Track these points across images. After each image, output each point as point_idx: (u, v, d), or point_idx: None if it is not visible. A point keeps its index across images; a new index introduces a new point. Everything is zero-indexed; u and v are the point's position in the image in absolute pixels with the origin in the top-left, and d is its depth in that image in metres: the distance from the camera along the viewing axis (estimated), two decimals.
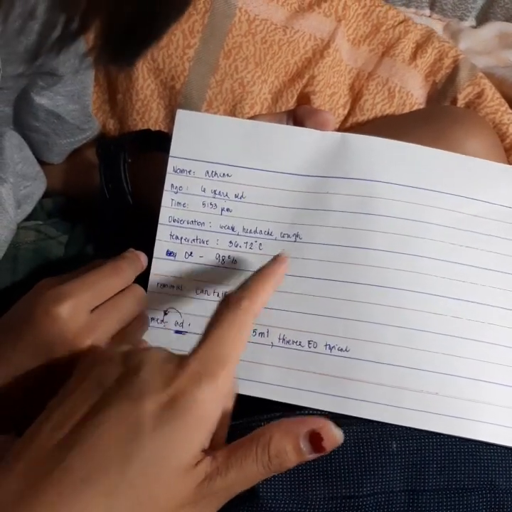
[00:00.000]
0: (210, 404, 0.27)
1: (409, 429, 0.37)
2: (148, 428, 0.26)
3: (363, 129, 0.60)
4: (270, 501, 0.35)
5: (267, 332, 0.39)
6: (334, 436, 0.29)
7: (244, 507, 0.35)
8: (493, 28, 0.74)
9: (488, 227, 0.40)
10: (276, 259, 0.35)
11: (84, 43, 0.48)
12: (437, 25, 0.74)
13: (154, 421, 0.26)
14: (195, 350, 0.29)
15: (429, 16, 0.76)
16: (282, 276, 0.35)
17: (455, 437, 0.37)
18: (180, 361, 0.28)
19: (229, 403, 0.32)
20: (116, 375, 0.28)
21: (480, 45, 0.72)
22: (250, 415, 0.38)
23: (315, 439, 0.28)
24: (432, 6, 0.76)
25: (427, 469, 0.37)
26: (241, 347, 0.30)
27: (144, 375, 0.28)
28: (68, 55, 0.45)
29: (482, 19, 0.76)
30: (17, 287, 0.46)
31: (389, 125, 0.59)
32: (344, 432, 0.36)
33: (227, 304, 0.31)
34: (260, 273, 0.33)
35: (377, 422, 0.38)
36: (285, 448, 0.28)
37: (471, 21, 0.76)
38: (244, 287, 0.32)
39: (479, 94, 0.61)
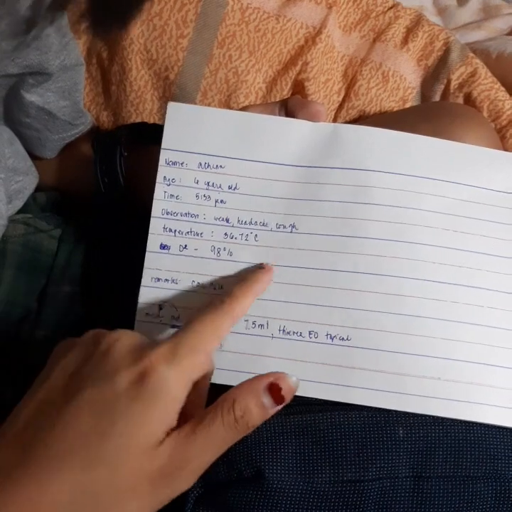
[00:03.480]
0: (176, 384, 0.28)
1: (416, 415, 0.37)
2: (121, 405, 0.27)
3: (360, 124, 0.59)
4: (276, 482, 0.35)
5: (267, 324, 0.39)
6: (290, 384, 0.30)
7: (250, 488, 0.35)
8: (475, 2, 0.76)
9: (482, 212, 0.40)
10: (262, 268, 0.38)
11: (73, 38, 0.48)
12: (426, 1, 0.76)
13: (126, 398, 0.27)
14: (169, 338, 0.30)
15: None
16: (266, 285, 0.38)
17: (461, 425, 0.37)
18: (152, 343, 0.30)
19: (203, 386, 0.33)
20: (89, 356, 0.29)
21: (467, 20, 0.75)
22: None
23: (274, 390, 0.29)
24: None
25: (433, 456, 0.37)
26: (214, 343, 0.31)
27: (115, 354, 0.29)
28: (57, 52, 0.44)
29: None
30: (4, 282, 0.46)
31: (387, 121, 0.58)
32: (350, 417, 0.37)
33: (209, 305, 0.33)
34: (244, 280, 0.36)
35: (383, 408, 0.37)
36: (248, 405, 0.29)
37: None
38: (228, 292, 0.35)
39: (472, 73, 0.61)
